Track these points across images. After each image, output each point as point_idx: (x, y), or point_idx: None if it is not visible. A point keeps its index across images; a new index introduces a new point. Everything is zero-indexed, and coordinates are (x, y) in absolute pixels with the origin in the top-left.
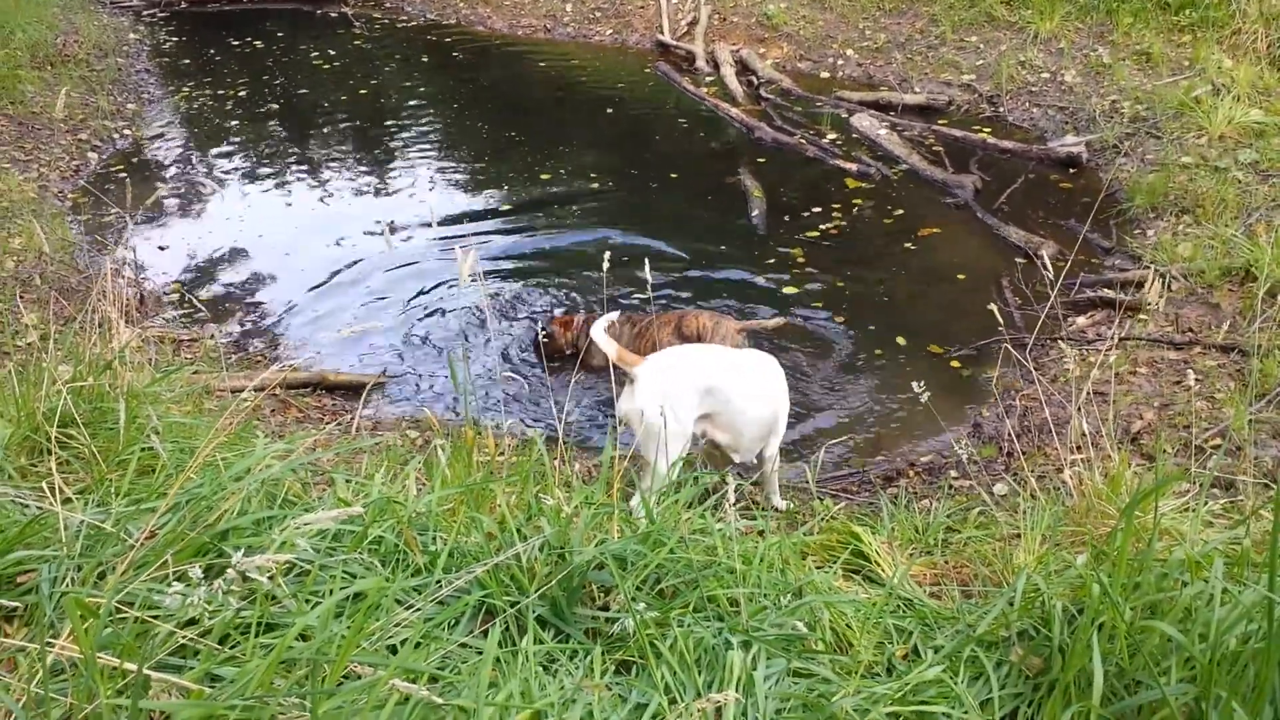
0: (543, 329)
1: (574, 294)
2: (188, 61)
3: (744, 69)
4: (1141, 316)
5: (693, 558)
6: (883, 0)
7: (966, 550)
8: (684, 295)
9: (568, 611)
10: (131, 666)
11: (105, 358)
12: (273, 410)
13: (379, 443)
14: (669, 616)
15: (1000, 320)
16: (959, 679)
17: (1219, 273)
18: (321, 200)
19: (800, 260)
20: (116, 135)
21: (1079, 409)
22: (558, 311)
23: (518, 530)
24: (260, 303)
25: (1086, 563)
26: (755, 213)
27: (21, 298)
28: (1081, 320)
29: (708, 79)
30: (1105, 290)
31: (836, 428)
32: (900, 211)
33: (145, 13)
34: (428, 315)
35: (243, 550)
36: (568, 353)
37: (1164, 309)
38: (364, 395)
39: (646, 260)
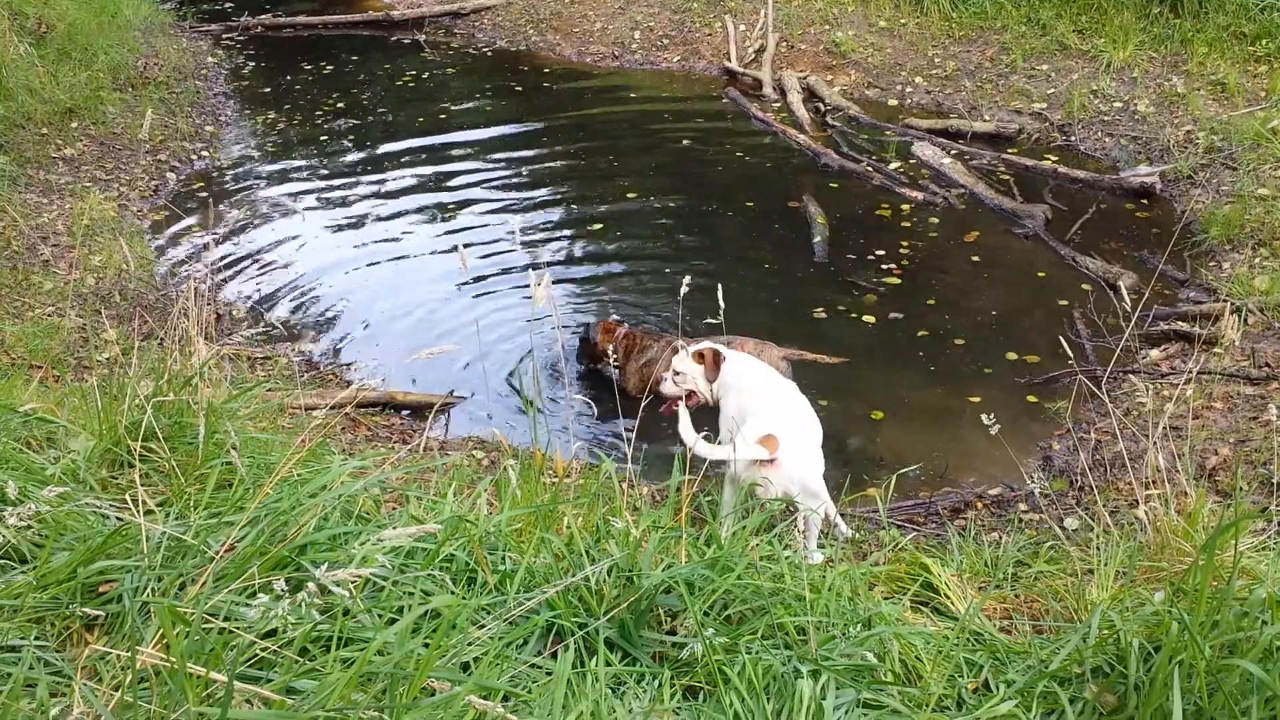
0: (586, 330)
1: (648, 316)
2: (264, 86)
3: (811, 96)
4: (1217, 350)
5: (761, 584)
6: (952, 28)
7: (1037, 585)
8: (743, 318)
9: (635, 635)
10: (217, 676)
11: (185, 374)
12: (343, 428)
13: (448, 463)
14: (737, 642)
15: (1070, 352)
16: (1032, 715)
17: None
18: (393, 221)
19: (863, 287)
20: (194, 156)
21: (1155, 443)
22: (614, 317)
23: (586, 552)
24: (332, 322)
25: (1164, 600)
26: (817, 239)
27: (101, 313)
28: (1155, 353)
29: (775, 105)
30: (1179, 323)
31: (903, 457)
32: (966, 239)
33: (224, 37)
34: (498, 337)
35: (325, 565)
36: (604, 361)
37: (1240, 343)
38: (432, 415)
39: (720, 286)
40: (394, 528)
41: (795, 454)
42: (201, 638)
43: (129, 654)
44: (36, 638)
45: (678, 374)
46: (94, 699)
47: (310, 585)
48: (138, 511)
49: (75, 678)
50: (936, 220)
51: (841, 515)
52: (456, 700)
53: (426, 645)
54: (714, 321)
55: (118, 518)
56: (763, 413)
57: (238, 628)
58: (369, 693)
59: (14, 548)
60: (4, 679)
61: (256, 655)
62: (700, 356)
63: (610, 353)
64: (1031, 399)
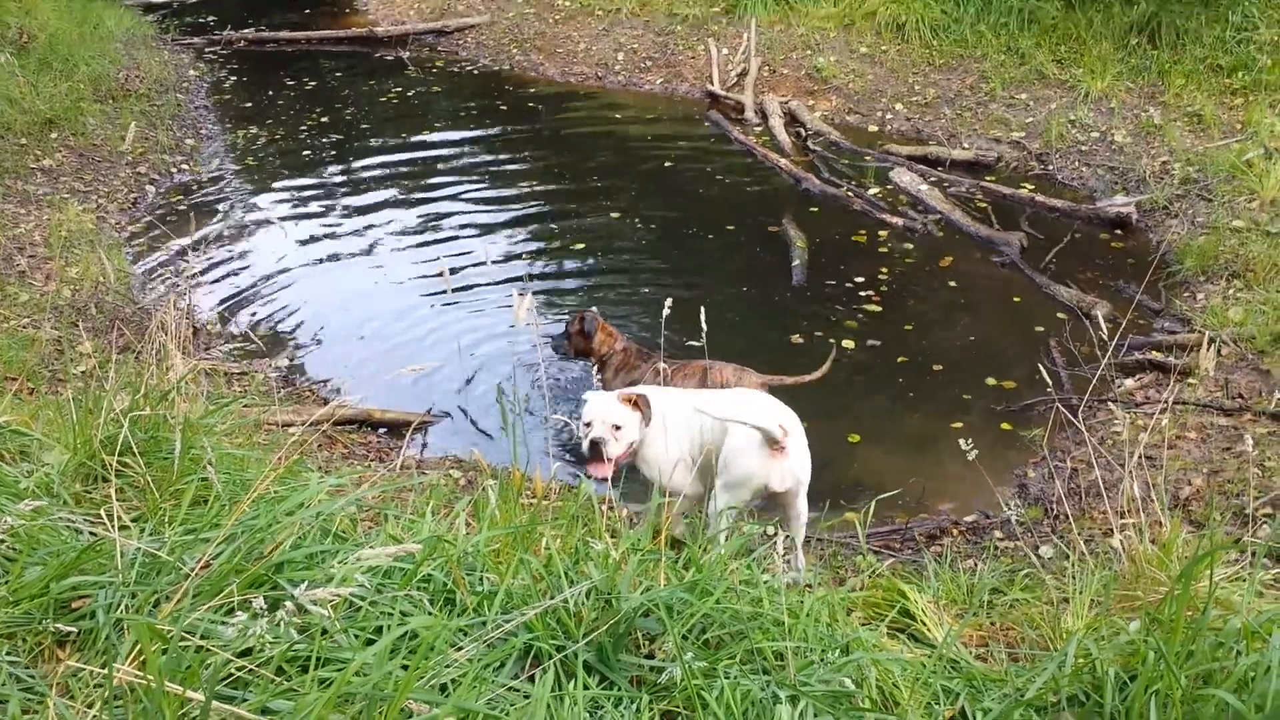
0: (581, 323)
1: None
2: (246, 101)
3: (793, 120)
4: (1191, 381)
5: (740, 609)
6: (933, 56)
7: (1013, 613)
8: (720, 342)
9: (613, 658)
10: (193, 694)
11: (162, 388)
12: (319, 445)
13: (425, 482)
14: (716, 667)
15: (1049, 380)
16: None
17: (1270, 339)
18: (374, 237)
19: (841, 313)
20: (174, 169)
21: (1130, 473)
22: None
23: (564, 574)
24: (310, 338)
25: (1140, 629)
26: (796, 263)
27: (78, 325)
28: (1130, 383)
29: (756, 129)
30: (1154, 353)
31: (879, 481)
32: (941, 265)
33: (206, 50)
34: (478, 356)
35: (305, 584)
36: (589, 359)
37: (1214, 374)
38: (409, 434)
39: (703, 309)
40: (372, 547)
41: (798, 444)
42: (178, 655)
43: (104, 671)
44: (7, 653)
45: (618, 428)
46: (69, 715)
47: (288, 604)
48: (112, 526)
49: (50, 694)
50: (911, 246)
51: (820, 539)
52: None
53: (405, 667)
54: (695, 344)
55: (91, 533)
56: (751, 408)
57: (214, 646)
58: (347, 714)
59: None
60: None
61: (231, 675)
62: (634, 403)
63: (602, 359)
64: (1006, 426)
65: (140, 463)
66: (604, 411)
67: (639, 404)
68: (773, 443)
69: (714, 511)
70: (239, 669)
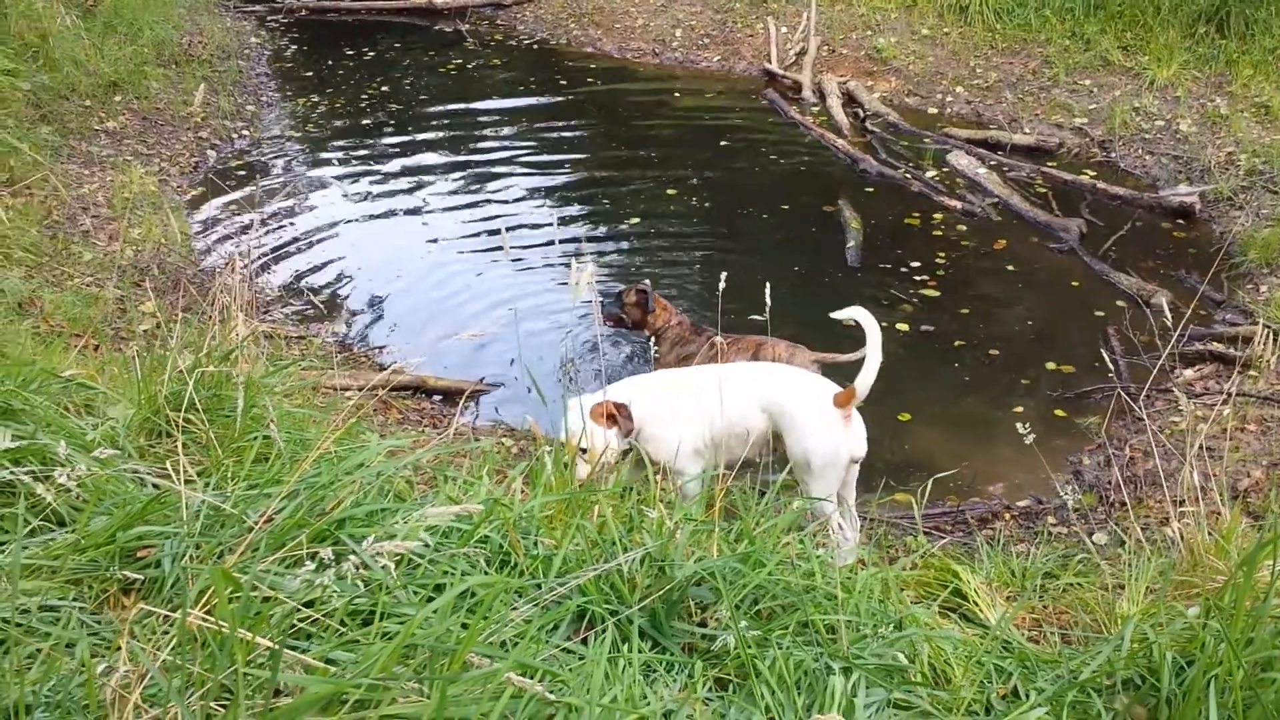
0: (639, 296)
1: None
2: (307, 69)
3: (850, 101)
4: (1252, 373)
5: (793, 581)
6: (995, 39)
7: (1066, 597)
8: (771, 321)
9: (666, 625)
10: (263, 641)
11: (224, 348)
12: (375, 410)
13: (479, 448)
14: (769, 637)
15: (1111, 367)
16: None
17: None
18: (431, 205)
19: (895, 297)
20: (235, 135)
21: (1190, 462)
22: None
23: (618, 541)
24: (366, 302)
25: (1198, 614)
26: (850, 245)
27: (144, 284)
28: (1189, 373)
29: (813, 109)
30: (1215, 344)
31: (930, 462)
32: (996, 248)
33: (268, 19)
34: (533, 323)
35: (372, 538)
36: (645, 334)
37: (1275, 367)
38: (462, 401)
39: (767, 285)
40: (434, 506)
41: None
42: (248, 602)
43: (178, 615)
44: (74, 599)
45: (583, 451)
46: (142, 656)
47: (353, 557)
48: (177, 479)
49: (123, 635)
50: (967, 229)
51: (871, 518)
52: (498, 675)
53: (465, 625)
54: (759, 319)
55: (155, 485)
56: (801, 378)
57: (280, 596)
58: (409, 666)
59: (53, 510)
60: (44, 637)
61: (294, 625)
62: (610, 417)
63: (657, 333)
64: (1060, 413)
65: (204, 419)
66: (574, 434)
67: (616, 416)
68: (843, 403)
69: (818, 488)
70: (301, 619)
